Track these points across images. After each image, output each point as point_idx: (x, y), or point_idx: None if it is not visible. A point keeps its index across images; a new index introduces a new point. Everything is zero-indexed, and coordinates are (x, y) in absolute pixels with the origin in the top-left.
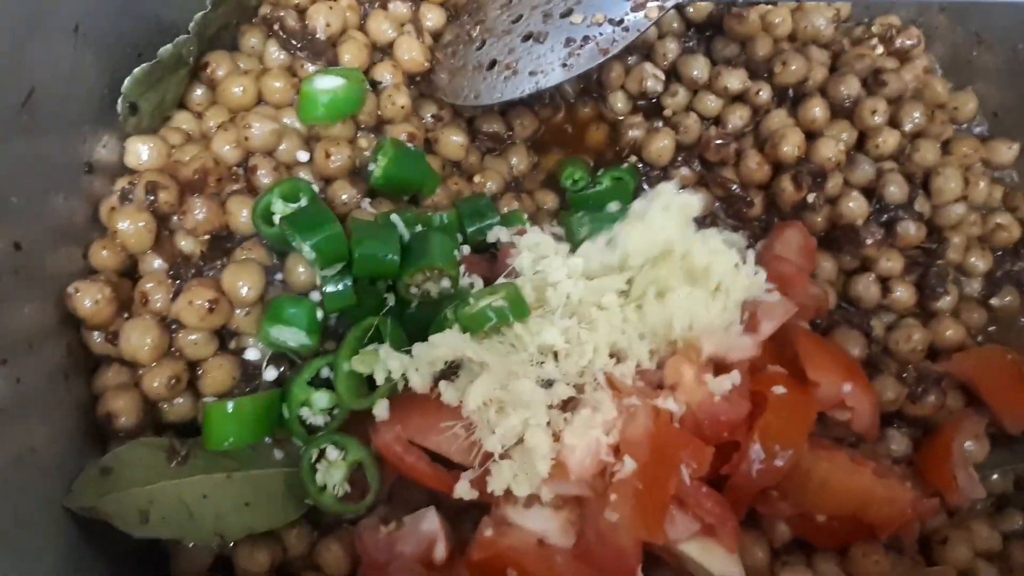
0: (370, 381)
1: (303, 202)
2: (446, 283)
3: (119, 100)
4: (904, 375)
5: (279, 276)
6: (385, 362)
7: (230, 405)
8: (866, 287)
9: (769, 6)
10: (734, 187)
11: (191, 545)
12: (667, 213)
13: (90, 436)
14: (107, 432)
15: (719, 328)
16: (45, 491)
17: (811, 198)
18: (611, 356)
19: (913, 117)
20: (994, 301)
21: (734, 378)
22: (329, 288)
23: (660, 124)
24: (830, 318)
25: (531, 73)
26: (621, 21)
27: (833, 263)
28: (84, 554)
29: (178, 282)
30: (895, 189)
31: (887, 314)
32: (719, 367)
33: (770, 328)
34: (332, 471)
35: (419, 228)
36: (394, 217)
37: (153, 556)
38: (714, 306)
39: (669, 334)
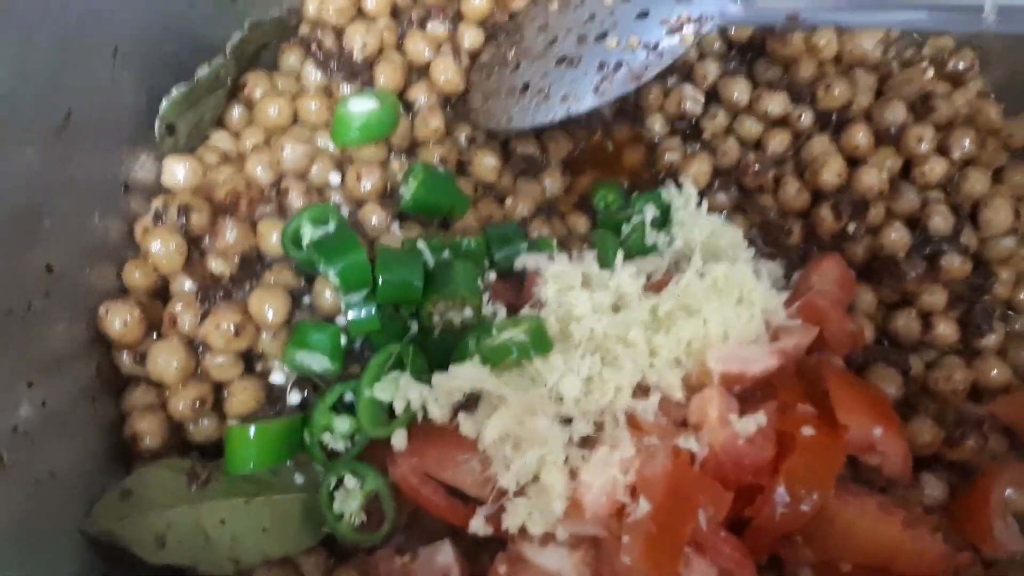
0: (392, 408)
1: (331, 226)
2: (469, 312)
3: (156, 121)
4: (943, 417)
5: (307, 299)
6: (404, 391)
7: (252, 430)
8: (906, 322)
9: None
10: (772, 214)
11: (206, 571)
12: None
13: (113, 458)
14: (132, 453)
15: (749, 339)
16: (63, 515)
17: (851, 228)
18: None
19: (963, 144)
20: None
21: (760, 419)
22: (353, 314)
23: (698, 147)
24: (867, 353)
25: (563, 98)
26: (656, 46)
27: (872, 296)
28: None
29: (207, 304)
30: (940, 220)
31: (928, 351)
32: (743, 394)
33: (791, 344)
34: (349, 500)
35: (445, 254)
36: (420, 244)
37: None
38: (742, 315)
39: (704, 349)
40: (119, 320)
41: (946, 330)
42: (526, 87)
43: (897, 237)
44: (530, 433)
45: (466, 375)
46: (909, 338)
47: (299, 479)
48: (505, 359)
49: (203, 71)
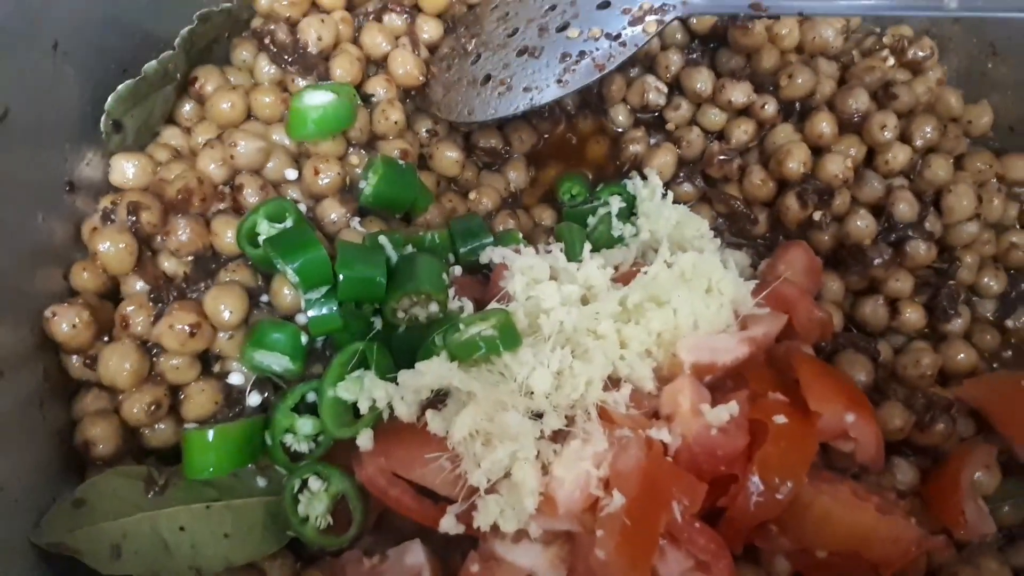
0: (356, 407)
1: (288, 222)
2: (434, 307)
3: (102, 118)
4: (912, 402)
5: (265, 298)
6: (369, 390)
7: (211, 433)
8: (874, 309)
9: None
10: (737, 204)
11: None
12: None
13: (65, 466)
14: (84, 461)
15: (719, 328)
16: (11, 527)
17: (817, 216)
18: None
19: (924, 132)
20: (1008, 323)
21: (732, 409)
22: (313, 312)
23: (662, 138)
24: (835, 341)
25: (525, 89)
26: (619, 36)
27: (840, 283)
28: None
29: (160, 305)
30: (905, 207)
31: (895, 337)
32: (714, 384)
33: (760, 332)
34: (314, 502)
35: (408, 249)
36: (382, 239)
37: None
38: (711, 304)
39: (675, 340)
40: (67, 323)
41: (913, 315)
42: (487, 78)
43: (863, 225)
44: (500, 429)
45: (433, 372)
46: (877, 324)
47: (261, 483)
48: (473, 355)
49: (151, 65)
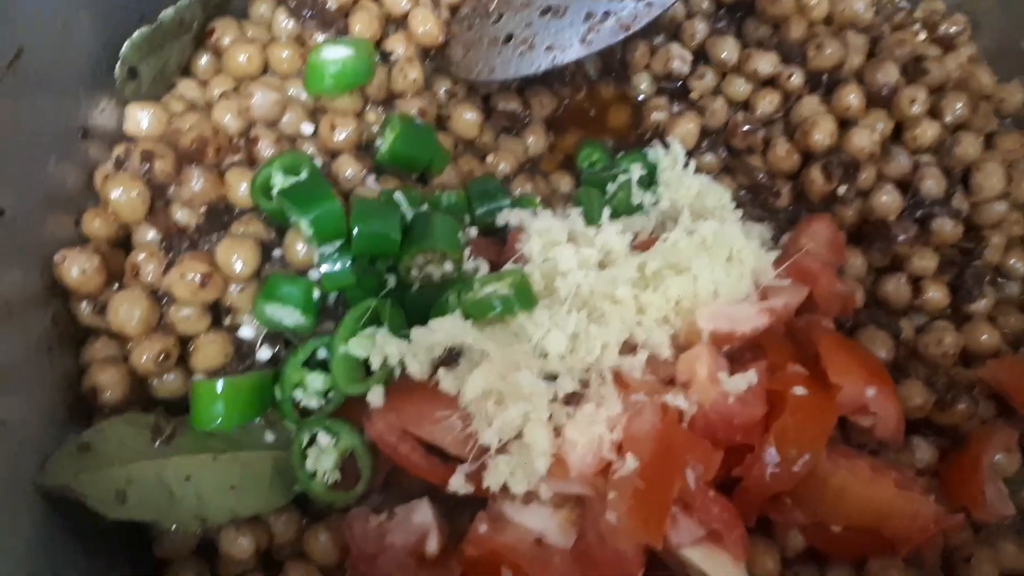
0: (368, 364)
1: (303, 175)
2: (449, 266)
3: (118, 64)
4: (933, 381)
5: (278, 252)
6: (382, 347)
7: (220, 384)
8: (897, 286)
9: None
10: (761, 176)
11: (172, 528)
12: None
13: (73, 412)
14: (92, 407)
15: (739, 298)
16: (17, 467)
17: (842, 190)
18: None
19: (955, 108)
20: None
21: (750, 378)
22: (326, 267)
23: (685, 107)
24: (857, 317)
25: (548, 48)
26: None
27: (863, 259)
28: (57, 534)
29: (171, 254)
30: (932, 183)
31: (918, 315)
32: (732, 355)
33: (780, 303)
34: (323, 457)
35: (424, 207)
36: (397, 195)
37: (132, 537)
38: (732, 273)
39: (694, 308)
40: (77, 268)
41: (936, 294)
42: (509, 37)
43: (888, 200)
44: (513, 389)
45: (447, 329)
46: (899, 302)
47: (270, 436)
48: (488, 314)
49: (167, 13)
